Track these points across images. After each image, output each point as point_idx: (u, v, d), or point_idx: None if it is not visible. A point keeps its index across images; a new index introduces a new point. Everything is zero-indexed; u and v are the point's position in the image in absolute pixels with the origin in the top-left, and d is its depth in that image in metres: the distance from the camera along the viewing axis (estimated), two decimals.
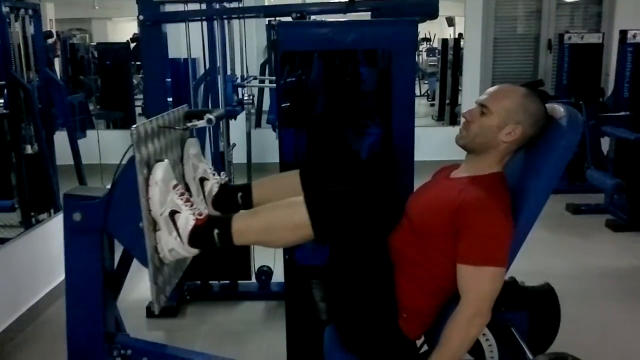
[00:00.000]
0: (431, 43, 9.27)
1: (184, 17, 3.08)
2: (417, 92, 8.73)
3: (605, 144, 4.87)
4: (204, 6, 3.30)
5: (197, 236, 1.57)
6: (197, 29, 3.54)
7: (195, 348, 2.25)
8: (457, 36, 7.31)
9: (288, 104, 2.06)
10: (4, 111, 3.24)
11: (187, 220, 1.56)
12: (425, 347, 1.81)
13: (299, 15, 2.60)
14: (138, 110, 5.89)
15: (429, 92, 9.31)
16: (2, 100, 3.25)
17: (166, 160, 1.60)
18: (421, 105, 8.78)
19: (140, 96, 6.03)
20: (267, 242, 1.63)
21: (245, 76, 4.85)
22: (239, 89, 4.49)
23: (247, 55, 4.90)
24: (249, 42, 5.26)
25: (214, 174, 1.91)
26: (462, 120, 1.70)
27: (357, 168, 1.89)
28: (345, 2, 2.28)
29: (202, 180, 1.87)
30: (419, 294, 1.64)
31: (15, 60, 3.35)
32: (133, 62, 6.08)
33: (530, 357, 1.52)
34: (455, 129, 1.74)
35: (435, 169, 1.93)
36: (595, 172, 4.61)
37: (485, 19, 6.47)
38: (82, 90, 5.54)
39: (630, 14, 6.07)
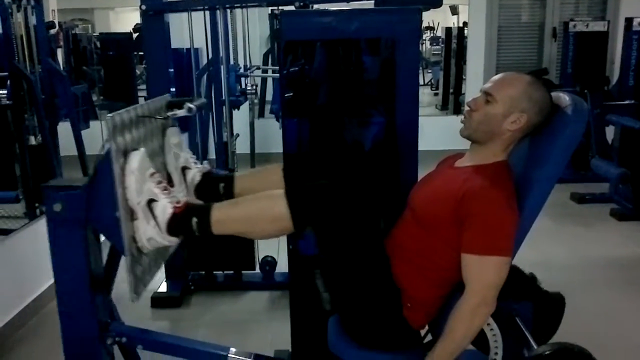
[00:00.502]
0: (435, 32, 9.25)
1: (187, 7, 3.07)
2: (421, 82, 8.70)
3: (610, 132, 4.85)
4: None
5: (176, 224, 1.56)
6: (199, 18, 3.53)
7: (199, 338, 2.25)
8: (461, 25, 7.27)
9: (291, 93, 2.05)
10: (7, 102, 3.24)
11: (164, 209, 1.56)
12: (429, 337, 1.81)
13: (302, 4, 2.59)
14: (141, 100, 5.89)
15: (432, 81, 9.29)
16: (5, 91, 3.24)
17: (142, 149, 1.59)
18: (425, 95, 8.76)
19: (144, 86, 6.02)
20: (245, 232, 1.64)
21: (248, 66, 4.84)
22: (242, 79, 4.49)
23: (250, 45, 4.90)
24: (252, 32, 5.25)
25: (195, 163, 1.91)
26: (466, 109, 1.69)
27: (341, 162, 1.88)
28: None
29: (184, 169, 1.87)
30: (423, 284, 1.64)
31: (18, 51, 3.34)
32: (136, 53, 6.07)
33: (535, 347, 1.52)
34: (459, 118, 1.73)
35: (439, 158, 1.92)
36: (599, 161, 4.59)
37: (489, 7, 6.43)
38: (85, 80, 5.54)
39: (636, 1, 6.01)
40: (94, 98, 5.54)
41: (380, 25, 1.98)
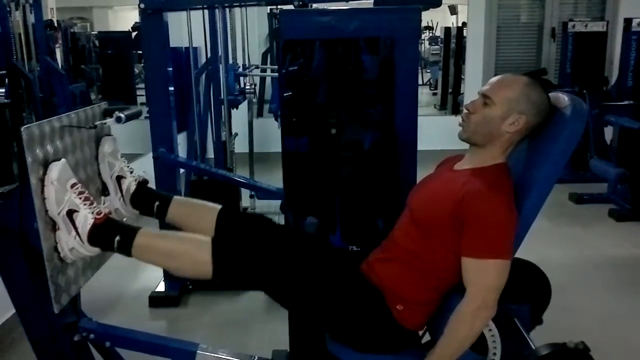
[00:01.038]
0: (434, 31, 9.25)
1: (186, 5, 3.06)
2: (420, 81, 8.70)
3: (608, 133, 4.85)
4: None
5: (97, 236, 1.58)
6: (198, 17, 3.53)
7: (197, 338, 2.25)
8: (459, 24, 7.27)
9: (290, 93, 2.04)
10: (5, 100, 3.24)
11: (85, 219, 1.56)
12: (427, 337, 1.80)
13: (300, 3, 2.59)
14: (140, 99, 5.88)
15: (431, 81, 9.30)
16: (3, 90, 3.24)
17: (63, 159, 1.59)
18: (423, 94, 8.77)
19: (142, 85, 6.01)
20: (163, 265, 1.72)
21: (247, 65, 4.84)
22: (241, 78, 4.49)
23: (248, 44, 4.89)
24: (251, 31, 5.25)
25: (131, 172, 1.91)
26: (464, 112, 1.69)
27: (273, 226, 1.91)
28: None
29: (119, 178, 1.87)
30: (418, 285, 1.64)
31: (16, 50, 3.34)
32: (134, 51, 6.06)
33: (533, 347, 1.52)
34: (457, 118, 1.73)
35: (437, 158, 1.92)
36: (598, 162, 4.59)
37: (488, 6, 6.43)
38: (84, 79, 5.53)
39: (635, 2, 6.01)
40: (93, 97, 5.53)
41: (380, 24, 1.98)
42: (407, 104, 2.01)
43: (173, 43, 3.26)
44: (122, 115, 1.80)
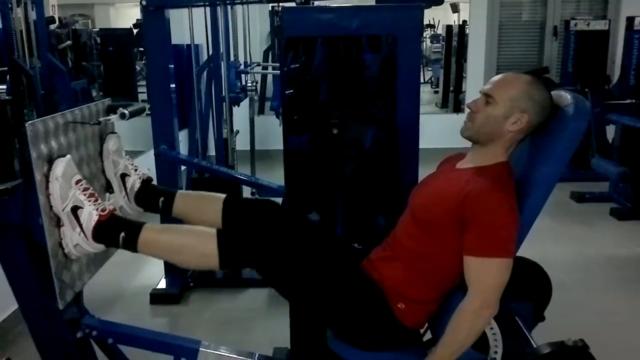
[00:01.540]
0: (435, 29, 9.23)
1: (187, 3, 3.06)
2: (421, 79, 8.70)
3: (610, 131, 4.84)
4: None
5: (102, 232, 1.58)
6: (200, 14, 3.52)
7: (198, 335, 2.25)
8: (461, 23, 7.26)
9: (292, 90, 2.04)
10: (7, 97, 3.24)
11: (90, 216, 1.57)
12: (429, 335, 1.80)
13: (302, 0, 2.58)
14: (141, 96, 5.88)
15: (432, 79, 9.28)
16: (4, 86, 3.24)
17: (68, 155, 1.59)
18: (425, 93, 8.75)
19: (144, 82, 6.00)
20: (170, 260, 1.69)
21: (249, 62, 4.83)
22: (242, 76, 4.48)
23: (250, 42, 4.88)
24: (252, 29, 5.24)
25: (135, 170, 1.90)
26: (467, 110, 1.69)
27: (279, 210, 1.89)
28: None
29: (124, 176, 1.87)
30: (420, 284, 1.64)
31: (18, 46, 3.34)
32: (136, 48, 6.05)
33: (535, 345, 1.52)
34: (459, 117, 1.74)
35: (439, 156, 1.91)
36: (600, 160, 4.59)
37: (490, 5, 6.42)
38: (85, 76, 5.52)
39: (638, 1, 6.00)
40: (94, 94, 5.52)
41: (382, 22, 1.97)
42: (409, 102, 2.01)
43: (174, 40, 3.26)
44: (125, 111, 1.80)
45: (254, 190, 4.04)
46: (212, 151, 4.09)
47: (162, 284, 3.28)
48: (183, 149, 4.11)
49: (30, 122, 1.47)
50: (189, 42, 3.33)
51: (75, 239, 1.58)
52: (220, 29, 3.70)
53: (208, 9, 3.57)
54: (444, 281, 1.63)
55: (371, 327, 1.67)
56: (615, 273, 3.50)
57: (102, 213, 1.58)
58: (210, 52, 3.77)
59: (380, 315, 1.65)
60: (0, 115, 3.24)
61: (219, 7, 3.52)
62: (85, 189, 1.59)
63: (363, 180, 2.09)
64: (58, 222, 1.57)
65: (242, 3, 3.80)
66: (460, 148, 1.79)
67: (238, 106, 4.12)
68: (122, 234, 1.58)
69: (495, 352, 1.58)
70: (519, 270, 1.57)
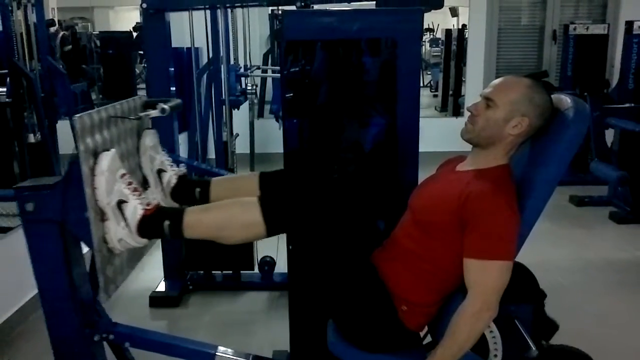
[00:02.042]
0: (434, 33, 9.23)
1: (187, 6, 3.06)
2: (421, 83, 8.71)
3: (609, 135, 4.85)
4: None
5: (147, 226, 1.57)
6: (200, 17, 3.52)
7: (197, 338, 2.25)
8: (460, 27, 7.27)
9: (292, 94, 2.04)
10: (7, 100, 3.24)
11: (135, 210, 1.56)
12: (429, 338, 1.80)
13: (303, 4, 2.59)
14: None
15: (432, 82, 9.28)
16: (4, 89, 3.24)
17: (113, 149, 1.59)
18: (424, 96, 8.75)
19: (143, 85, 6.00)
20: (217, 237, 1.65)
21: (249, 66, 4.84)
22: (242, 79, 4.49)
23: (250, 45, 4.89)
24: (252, 32, 5.25)
25: (171, 166, 1.90)
26: (467, 114, 1.69)
27: (314, 180, 1.89)
28: None
29: (160, 171, 1.87)
30: (421, 287, 1.64)
31: (18, 49, 3.34)
32: (136, 51, 6.05)
33: (534, 349, 1.52)
34: (458, 120, 1.74)
35: (438, 160, 1.92)
36: (599, 164, 4.59)
37: (489, 9, 6.43)
38: (85, 79, 5.52)
39: (637, 5, 6.02)
40: (94, 97, 5.53)
41: (382, 25, 1.98)
42: (409, 106, 2.01)
43: (174, 43, 3.27)
44: (166, 106, 1.80)
45: None
46: (212, 154, 4.10)
47: (162, 287, 3.28)
48: (183, 151, 4.12)
49: (78, 115, 1.48)
50: (189, 45, 3.34)
51: (120, 234, 1.57)
52: (220, 32, 3.71)
53: (208, 12, 3.58)
54: (444, 283, 1.63)
55: (375, 326, 1.67)
56: (614, 276, 3.50)
57: (147, 207, 1.58)
58: (210, 55, 3.78)
59: (385, 315, 1.65)
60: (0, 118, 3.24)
61: (219, 10, 3.52)
62: (129, 183, 1.59)
63: (363, 183, 2.09)
64: (102, 217, 1.56)
65: (242, 6, 3.81)
66: (459, 152, 1.79)
67: (238, 109, 4.13)
68: (167, 223, 1.58)
69: (495, 355, 1.58)
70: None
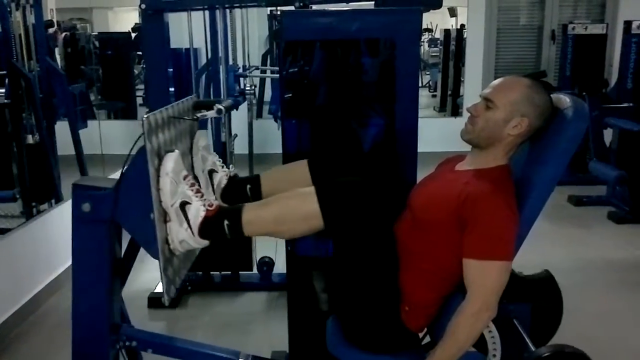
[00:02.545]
0: (433, 34, 9.23)
1: (186, 6, 3.06)
2: (419, 83, 8.70)
3: (608, 135, 4.85)
4: None
5: (208, 227, 1.56)
6: (199, 18, 3.52)
7: (197, 339, 2.25)
8: (459, 27, 7.27)
9: (291, 94, 2.04)
10: (5, 101, 3.23)
11: (197, 211, 1.55)
12: (428, 339, 1.80)
13: (301, 4, 2.59)
14: (139, 100, 5.87)
15: (430, 83, 9.28)
16: (3, 90, 3.24)
17: (177, 150, 1.59)
18: (423, 97, 8.74)
19: (142, 86, 5.99)
20: (277, 232, 1.62)
21: (247, 66, 4.83)
22: (241, 79, 4.48)
23: (249, 46, 4.89)
24: (251, 32, 5.24)
25: (222, 167, 1.90)
26: (466, 114, 1.69)
27: (364, 159, 1.87)
28: None
29: (211, 172, 1.86)
30: (422, 287, 1.64)
31: (16, 50, 3.33)
32: (134, 52, 6.05)
33: (533, 349, 1.52)
34: (457, 120, 1.74)
35: (437, 160, 1.92)
36: (597, 164, 4.60)
37: (488, 9, 6.44)
38: (83, 80, 5.52)
39: (635, 4, 6.03)
40: (92, 97, 5.52)
41: (381, 25, 1.98)
42: (408, 106, 2.02)
43: (173, 44, 3.27)
44: (221, 107, 1.80)
45: None
46: None
47: (160, 288, 3.27)
48: None
49: (146, 115, 1.47)
50: (188, 46, 3.33)
51: (182, 235, 1.55)
52: (219, 33, 3.71)
53: (207, 12, 3.58)
54: (443, 282, 1.63)
55: (377, 325, 1.66)
56: (613, 276, 3.50)
57: (209, 208, 1.56)
58: (209, 56, 3.78)
59: (388, 314, 1.64)
60: None
61: (217, 11, 3.52)
62: (192, 185, 1.58)
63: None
64: (165, 218, 1.56)
65: (241, 7, 3.80)
66: (458, 152, 1.79)
67: (236, 110, 4.12)
68: (226, 222, 1.56)
69: (494, 355, 1.58)
70: None
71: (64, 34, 5.26)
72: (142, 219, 1.51)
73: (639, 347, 2.72)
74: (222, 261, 3.31)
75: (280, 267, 3.19)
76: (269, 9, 5.82)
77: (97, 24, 6.87)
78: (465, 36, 6.79)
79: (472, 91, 6.34)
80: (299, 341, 2.21)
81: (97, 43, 6.04)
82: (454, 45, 7.43)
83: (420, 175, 1.91)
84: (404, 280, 1.64)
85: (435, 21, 8.94)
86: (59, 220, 3.29)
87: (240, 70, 4.58)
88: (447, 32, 7.75)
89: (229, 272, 3.38)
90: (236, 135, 4.00)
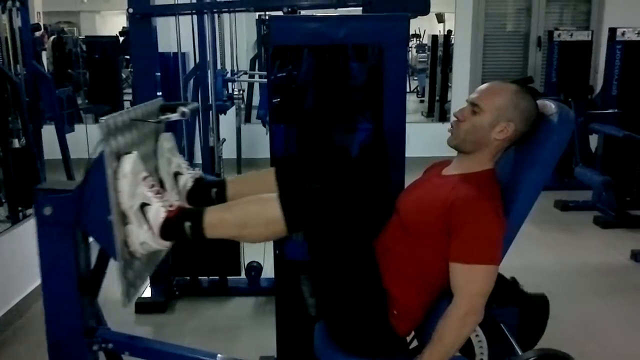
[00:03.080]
0: (421, 39, 9.28)
1: (174, 11, 3.07)
2: (407, 89, 8.73)
3: (593, 141, 4.90)
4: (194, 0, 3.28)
5: (169, 228, 1.55)
6: (187, 23, 3.52)
7: (184, 344, 2.24)
8: (446, 33, 7.32)
9: (279, 99, 2.05)
10: None
11: (157, 213, 1.54)
12: (415, 343, 1.81)
13: (289, 9, 2.60)
14: (127, 104, 5.85)
15: (418, 88, 9.32)
16: None
17: (135, 152, 1.57)
18: (411, 102, 8.78)
19: (129, 90, 5.98)
20: (239, 236, 1.63)
21: (235, 71, 4.84)
22: (229, 84, 4.48)
23: (237, 50, 4.90)
24: (239, 37, 5.26)
25: (188, 169, 1.89)
26: (453, 119, 1.70)
27: (335, 166, 1.87)
28: None
29: (177, 174, 1.85)
30: (409, 291, 1.64)
31: (2, 53, 3.32)
32: (122, 56, 6.03)
33: (520, 353, 1.53)
34: (444, 126, 1.75)
35: (424, 165, 1.92)
36: (583, 169, 4.64)
37: (475, 15, 6.49)
38: (70, 83, 5.50)
39: (620, 12, 6.10)
40: (79, 101, 5.50)
41: (369, 31, 1.99)
42: (396, 111, 2.03)
43: (161, 48, 3.25)
44: (186, 110, 1.78)
45: None
46: (198, 159, 4.08)
47: (148, 293, 3.26)
48: None
49: (104, 118, 1.47)
50: (176, 50, 3.33)
51: (142, 237, 1.54)
52: (207, 37, 3.70)
53: (195, 17, 3.58)
54: (430, 286, 1.63)
55: (365, 329, 1.66)
56: (599, 281, 3.53)
57: (170, 209, 1.55)
58: (197, 60, 3.77)
59: (377, 318, 1.64)
60: None
61: (205, 16, 3.52)
62: (152, 186, 1.57)
63: (350, 188, 2.09)
64: (124, 220, 1.54)
65: (229, 11, 3.81)
66: (446, 157, 1.80)
67: (225, 114, 4.12)
68: (188, 224, 1.55)
69: (481, 359, 1.59)
70: None
71: (51, 37, 5.24)
72: (102, 221, 1.50)
73: (624, 351, 2.74)
74: (210, 266, 3.30)
75: (268, 271, 3.19)
76: (257, 13, 5.83)
77: (85, 27, 6.86)
78: (452, 42, 6.84)
79: (459, 96, 6.38)
80: (287, 346, 2.21)
81: (84, 47, 6.02)
82: (441, 51, 7.48)
83: (408, 180, 1.92)
84: (392, 284, 1.65)
85: (424, 27, 9.00)
86: None
87: (229, 75, 4.59)
88: (434, 38, 7.80)
89: (217, 277, 3.37)
90: (224, 140, 4.00)
